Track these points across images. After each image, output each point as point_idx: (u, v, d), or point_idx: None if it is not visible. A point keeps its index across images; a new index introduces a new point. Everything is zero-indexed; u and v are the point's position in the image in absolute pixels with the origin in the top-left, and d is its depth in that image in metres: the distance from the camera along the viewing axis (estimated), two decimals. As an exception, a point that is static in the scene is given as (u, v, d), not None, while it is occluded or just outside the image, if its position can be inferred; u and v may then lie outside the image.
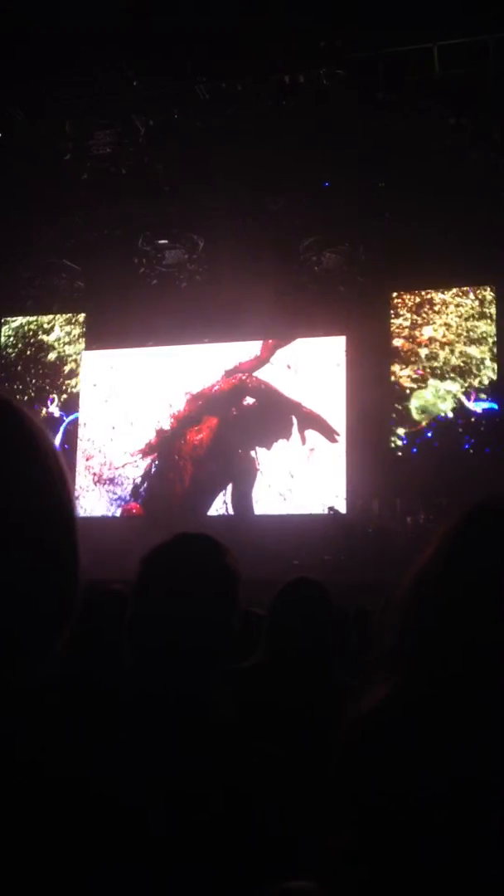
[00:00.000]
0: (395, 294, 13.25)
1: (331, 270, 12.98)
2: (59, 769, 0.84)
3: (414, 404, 12.99)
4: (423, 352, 13.07)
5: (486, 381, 12.76)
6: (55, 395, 14.48)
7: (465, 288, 12.97)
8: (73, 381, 14.49)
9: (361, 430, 12.85)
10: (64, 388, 14.53)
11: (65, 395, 14.49)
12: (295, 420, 13.31)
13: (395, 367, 13.16)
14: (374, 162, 11.18)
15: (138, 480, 13.78)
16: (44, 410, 14.11)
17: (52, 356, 14.63)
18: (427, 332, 13.10)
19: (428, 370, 13.00)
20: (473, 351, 12.89)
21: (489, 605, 0.94)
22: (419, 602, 0.99)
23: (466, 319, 12.95)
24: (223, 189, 11.83)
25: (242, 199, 12.03)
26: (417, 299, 13.21)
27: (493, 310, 12.82)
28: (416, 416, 12.96)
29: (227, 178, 11.56)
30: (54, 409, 14.42)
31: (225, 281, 12.72)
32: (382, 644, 1.01)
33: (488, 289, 12.88)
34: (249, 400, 13.60)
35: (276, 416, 13.38)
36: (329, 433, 13.17)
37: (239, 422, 13.55)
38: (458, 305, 13.01)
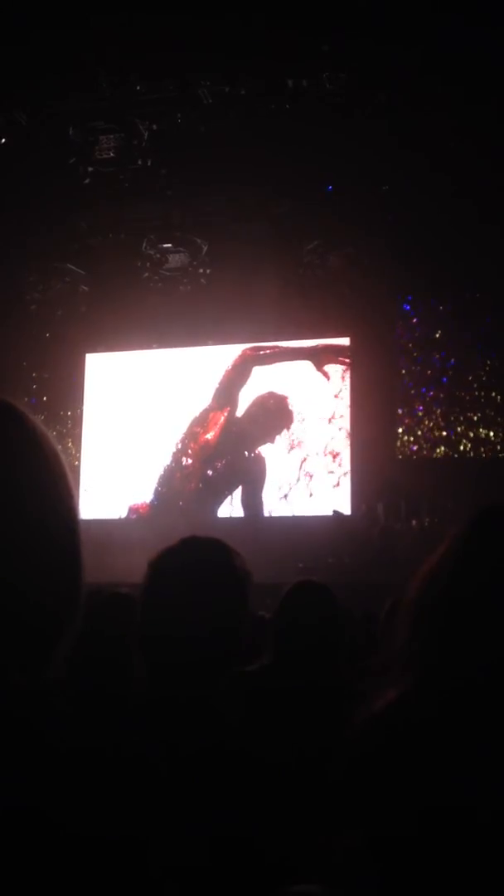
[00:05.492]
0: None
1: (335, 273, 12.97)
2: (65, 773, 0.83)
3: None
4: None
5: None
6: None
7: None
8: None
9: (367, 431, 12.84)
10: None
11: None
12: (311, 364, 13.36)
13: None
14: (378, 165, 11.17)
15: (146, 481, 13.76)
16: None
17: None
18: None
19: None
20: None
21: (499, 605, 0.93)
22: (430, 604, 0.99)
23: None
24: (227, 193, 11.83)
25: (246, 203, 12.02)
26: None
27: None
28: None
29: (230, 182, 11.56)
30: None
31: (229, 284, 12.72)
32: (392, 646, 1.01)
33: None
34: (257, 369, 13.61)
35: (276, 404, 13.39)
36: (340, 353, 13.24)
37: (245, 409, 13.55)
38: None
